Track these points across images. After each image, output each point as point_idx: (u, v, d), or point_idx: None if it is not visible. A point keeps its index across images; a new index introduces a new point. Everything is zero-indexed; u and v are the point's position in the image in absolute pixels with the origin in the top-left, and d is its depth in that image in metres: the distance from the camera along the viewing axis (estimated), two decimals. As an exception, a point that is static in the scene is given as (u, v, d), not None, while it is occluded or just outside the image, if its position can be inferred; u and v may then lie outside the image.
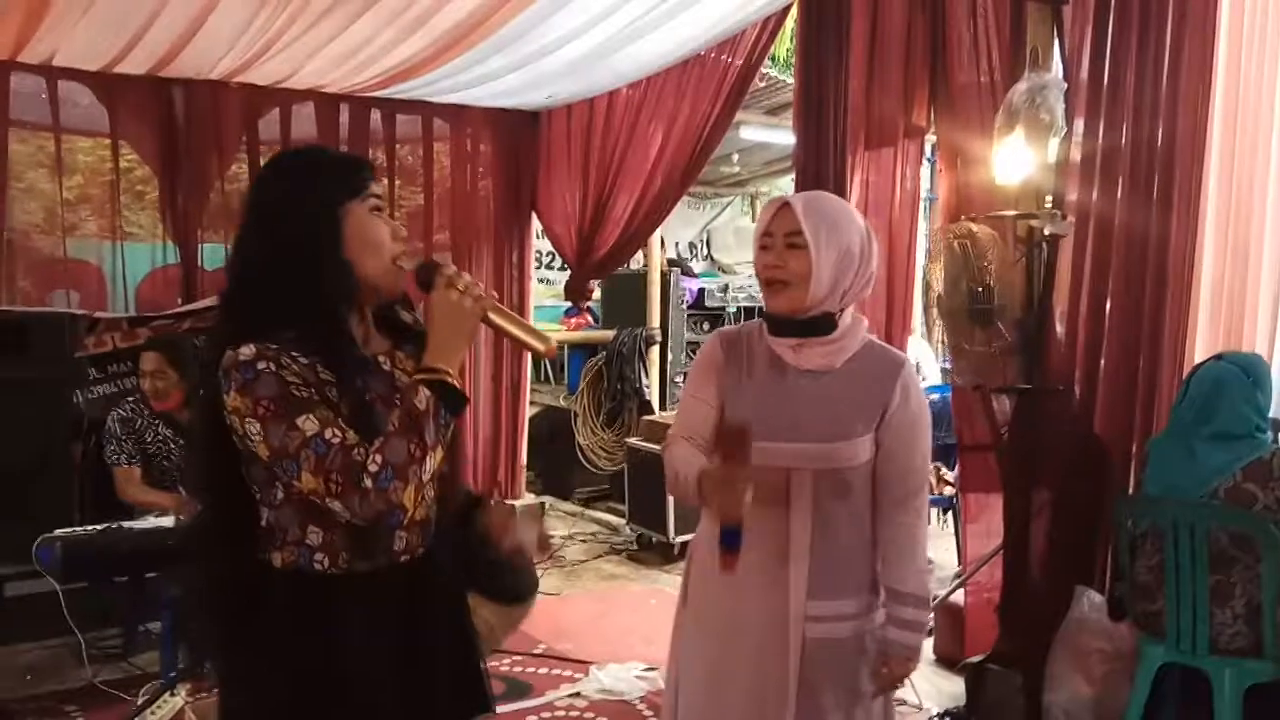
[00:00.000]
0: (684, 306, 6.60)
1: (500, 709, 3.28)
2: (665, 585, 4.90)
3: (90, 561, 3.23)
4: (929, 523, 5.20)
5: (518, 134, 5.48)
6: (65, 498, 3.93)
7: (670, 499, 5.12)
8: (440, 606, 1.61)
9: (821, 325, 1.84)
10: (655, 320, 6.34)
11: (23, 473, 3.80)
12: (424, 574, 1.56)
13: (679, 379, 6.33)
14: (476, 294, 1.47)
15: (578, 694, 3.63)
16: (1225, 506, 2.44)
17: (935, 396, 5.29)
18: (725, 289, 7.40)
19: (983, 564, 3.41)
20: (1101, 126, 2.93)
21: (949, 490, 4.76)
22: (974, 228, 3.08)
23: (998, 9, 3.24)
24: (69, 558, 3.18)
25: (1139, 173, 2.88)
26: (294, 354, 1.41)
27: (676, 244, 9.32)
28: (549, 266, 8.17)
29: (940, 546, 5.22)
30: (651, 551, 5.46)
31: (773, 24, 4.28)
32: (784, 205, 1.84)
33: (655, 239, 6.17)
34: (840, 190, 3.64)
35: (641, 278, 6.43)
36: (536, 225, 5.74)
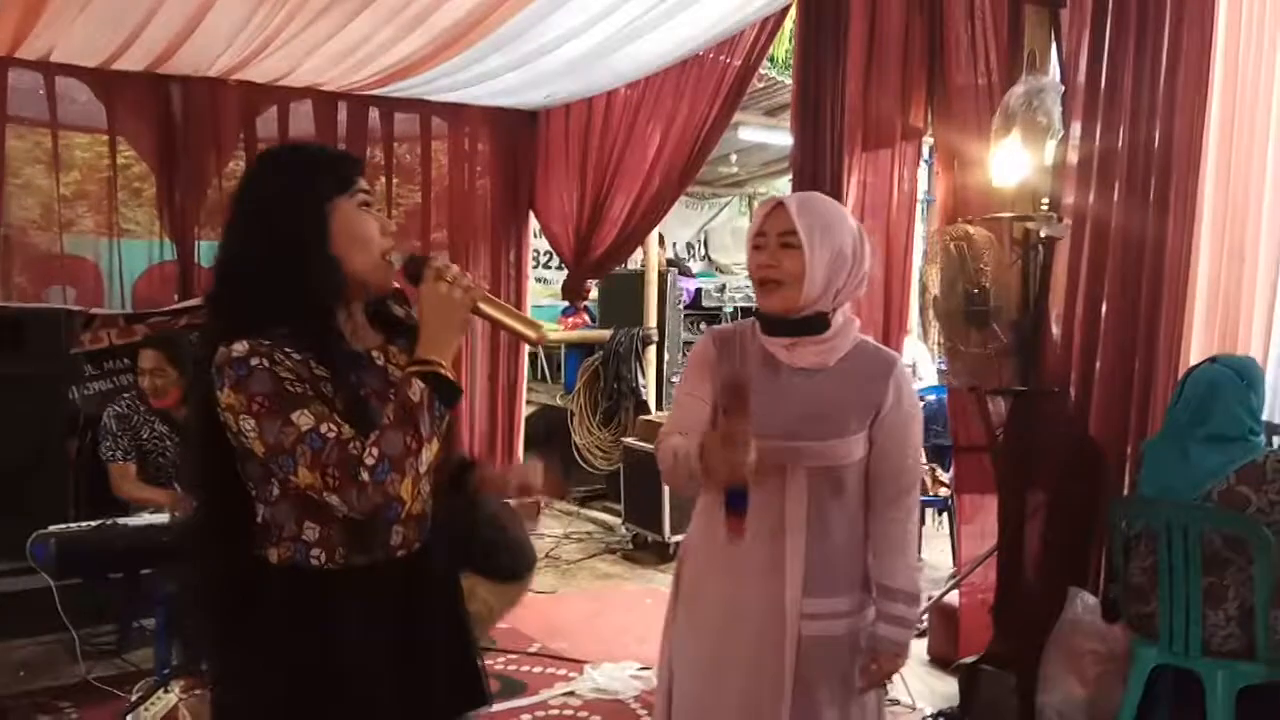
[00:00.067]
0: (681, 306, 6.61)
1: (494, 707, 3.29)
2: (660, 585, 4.90)
3: (85, 558, 3.22)
4: (924, 523, 5.26)
5: (516, 133, 5.49)
6: (60, 494, 3.93)
7: (666, 497, 5.12)
8: (437, 601, 1.61)
9: (814, 325, 1.85)
10: (652, 320, 6.34)
11: (18, 469, 3.80)
12: (421, 568, 1.56)
13: (676, 379, 6.33)
14: (465, 284, 1.48)
15: (572, 693, 3.63)
16: (1218, 509, 2.45)
17: (931, 398, 5.32)
18: (722, 289, 7.41)
19: (977, 565, 3.42)
20: (1098, 129, 2.94)
21: (944, 491, 4.77)
22: (970, 230, 3.09)
23: (995, 11, 3.25)
24: (63, 554, 3.18)
25: (1135, 176, 2.89)
26: (287, 350, 1.41)
27: (674, 244, 9.33)
28: (546, 266, 8.18)
29: (935, 547, 5.23)
30: (647, 551, 5.46)
31: (771, 25, 4.29)
32: (778, 205, 1.85)
33: (653, 239, 6.17)
34: (837, 191, 3.64)
35: (639, 277, 6.43)
36: (534, 224, 5.75)
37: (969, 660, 3.28)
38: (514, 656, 3.93)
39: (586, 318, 6.98)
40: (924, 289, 3.26)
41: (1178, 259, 2.86)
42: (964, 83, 3.39)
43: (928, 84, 3.59)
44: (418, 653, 1.54)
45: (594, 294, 6.42)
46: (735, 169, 9.23)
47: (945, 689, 3.50)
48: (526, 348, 5.86)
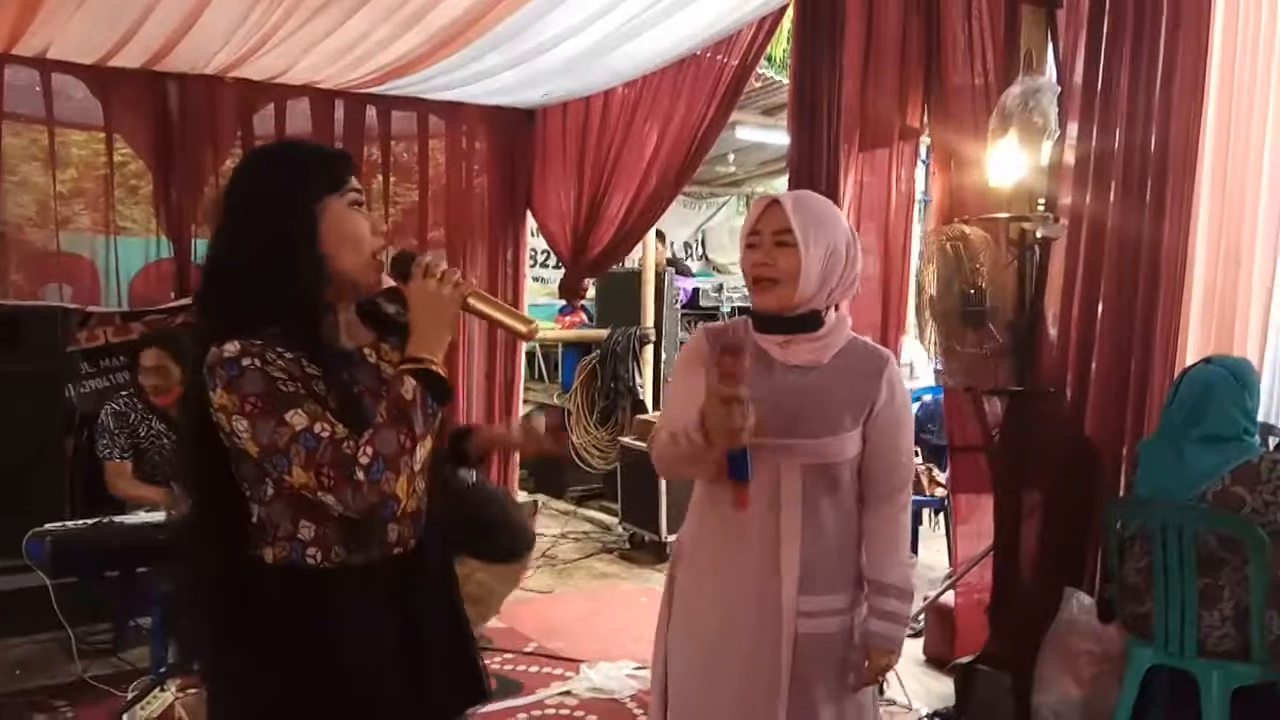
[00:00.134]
0: (678, 306, 6.60)
1: (490, 707, 3.29)
2: (657, 584, 4.90)
3: (80, 556, 3.22)
4: (921, 524, 5.25)
5: (513, 132, 5.48)
6: (56, 492, 3.92)
7: (663, 497, 5.13)
8: (434, 598, 1.61)
9: (808, 322, 1.86)
10: (649, 319, 6.35)
11: (14, 467, 3.79)
12: (417, 566, 1.56)
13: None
14: (455, 281, 1.47)
15: (568, 692, 3.63)
16: (1213, 509, 2.46)
17: (928, 398, 5.32)
18: (719, 289, 7.40)
19: (973, 565, 3.42)
20: (1094, 130, 2.95)
21: (940, 491, 4.77)
22: (967, 230, 3.09)
23: (992, 12, 3.25)
24: (59, 552, 3.17)
25: (1131, 176, 2.89)
26: (279, 349, 1.41)
27: (672, 243, 9.33)
28: (544, 265, 8.18)
29: (931, 548, 5.24)
30: (644, 550, 5.46)
31: (769, 24, 4.29)
32: (772, 203, 1.85)
33: (650, 238, 6.17)
34: (834, 191, 3.65)
35: (636, 277, 6.43)
36: (531, 223, 5.74)
37: (965, 660, 3.28)
38: (510, 656, 3.93)
39: (584, 316, 6.98)
40: (920, 289, 3.26)
41: (1174, 260, 2.86)
42: (961, 83, 3.40)
43: (925, 84, 3.59)
44: (417, 650, 1.54)
45: (591, 293, 6.41)
46: (733, 168, 9.23)
47: (941, 689, 3.51)
48: (524, 347, 5.86)
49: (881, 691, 3.41)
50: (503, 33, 3.92)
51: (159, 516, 3.33)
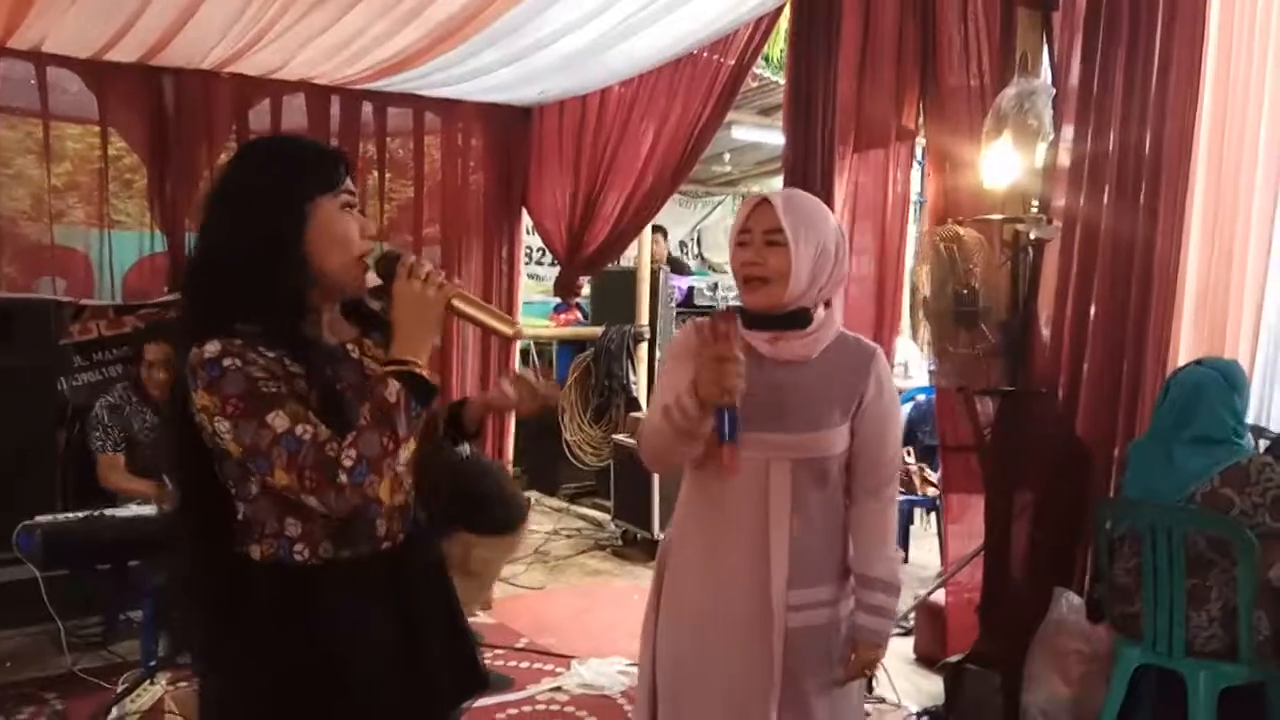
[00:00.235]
0: (673, 304, 6.61)
1: (481, 702, 3.29)
2: (649, 582, 4.90)
3: (71, 549, 3.22)
4: (912, 523, 5.27)
5: (509, 129, 5.48)
6: (48, 485, 3.92)
7: (655, 494, 5.13)
8: (426, 591, 1.61)
9: (797, 319, 1.87)
10: (644, 318, 6.35)
11: (5, 460, 3.79)
12: (407, 559, 1.56)
13: (666, 377, 6.32)
14: (439, 282, 1.47)
15: (559, 688, 3.64)
16: (1202, 511, 2.47)
17: (921, 398, 5.34)
18: (714, 287, 7.41)
19: (963, 564, 3.43)
20: (1089, 132, 2.96)
21: (932, 491, 4.79)
22: (961, 231, 3.10)
23: (988, 14, 3.26)
24: (50, 545, 3.17)
25: (1125, 178, 2.90)
26: (260, 348, 1.40)
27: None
28: (539, 262, 8.18)
29: (923, 547, 5.26)
30: (636, 547, 5.47)
31: (765, 24, 4.30)
32: (762, 202, 1.86)
33: (645, 237, 6.18)
34: (828, 191, 3.66)
35: (631, 275, 6.44)
36: (527, 221, 5.74)
37: (955, 659, 3.29)
38: (501, 651, 3.93)
39: (578, 314, 6.98)
40: (915, 289, 3.27)
41: (1167, 262, 2.87)
42: (956, 84, 3.41)
43: (920, 85, 3.59)
44: (411, 643, 1.54)
45: (586, 291, 6.42)
46: (729, 168, 9.25)
47: (931, 688, 3.52)
48: (518, 344, 5.86)
49: (870, 689, 3.44)
50: (500, 29, 3.92)
51: (150, 510, 3.33)
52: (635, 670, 3.57)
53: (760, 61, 5.34)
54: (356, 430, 1.38)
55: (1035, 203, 3.07)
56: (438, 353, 5.09)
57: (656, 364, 6.35)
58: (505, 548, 3.58)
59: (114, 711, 3.01)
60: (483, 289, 5.51)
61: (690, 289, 7.17)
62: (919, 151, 4.04)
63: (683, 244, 9.82)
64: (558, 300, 6.48)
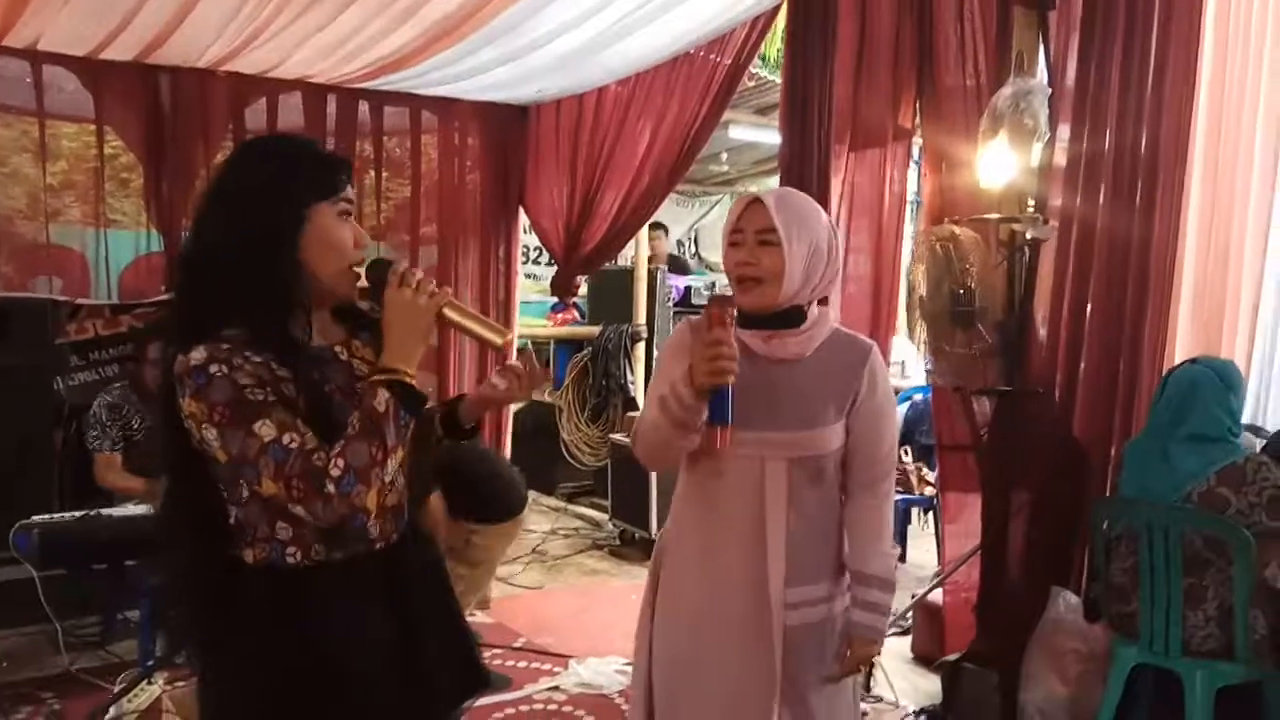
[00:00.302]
0: (670, 304, 6.62)
1: (479, 702, 3.29)
2: (646, 581, 4.91)
3: (68, 549, 3.22)
4: (910, 522, 5.27)
5: (506, 128, 5.47)
6: (45, 485, 3.91)
7: (653, 494, 5.13)
8: (423, 590, 1.61)
9: (791, 318, 1.87)
10: (641, 317, 6.35)
11: (2, 459, 3.78)
12: (402, 559, 1.56)
13: (664, 376, 6.31)
14: (430, 290, 1.46)
15: (557, 687, 3.64)
16: (1199, 510, 2.47)
17: (919, 397, 5.34)
18: (712, 287, 7.41)
19: (960, 564, 3.44)
20: (1085, 132, 2.96)
21: (930, 491, 4.79)
22: (957, 230, 3.10)
23: (984, 13, 3.26)
24: (46, 544, 3.17)
25: (1122, 178, 2.90)
26: (246, 353, 1.40)
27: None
28: (536, 262, 8.17)
29: (920, 546, 5.26)
30: (634, 547, 5.47)
31: (762, 24, 4.29)
32: (754, 202, 1.85)
33: (642, 236, 6.18)
34: (824, 190, 3.66)
35: (628, 274, 6.44)
36: (524, 220, 5.74)
37: (952, 658, 3.30)
38: (499, 651, 3.93)
39: (576, 314, 6.98)
40: (911, 289, 3.28)
41: (1163, 261, 2.88)
42: (953, 84, 3.40)
43: (917, 85, 3.60)
44: (408, 644, 1.54)
45: (583, 290, 6.41)
46: (726, 167, 9.24)
47: (929, 687, 3.53)
48: (515, 344, 5.85)
49: (868, 688, 3.44)
50: (497, 28, 3.92)
51: (147, 509, 3.32)
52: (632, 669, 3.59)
53: (757, 61, 5.33)
54: (345, 439, 1.38)
55: (1031, 202, 3.07)
56: (434, 351, 5.08)
57: (654, 363, 6.36)
58: (505, 535, 3.60)
59: (111, 711, 3.00)
60: (480, 288, 5.51)
61: (687, 288, 7.17)
62: (915, 151, 4.04)
63: (680, 243, 9.82)
64: (555, 300, 6.47)
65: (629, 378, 6.23)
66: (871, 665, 3.35)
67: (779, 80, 4.59)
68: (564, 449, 6.31)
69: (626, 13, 3.85)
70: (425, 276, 1.48)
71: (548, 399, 6.62)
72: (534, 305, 7.21)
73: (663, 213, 6.69)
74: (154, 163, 4.58)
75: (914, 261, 3.29)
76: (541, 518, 6.15)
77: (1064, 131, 3.03)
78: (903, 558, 4.94)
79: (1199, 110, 2.91)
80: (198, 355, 1.38)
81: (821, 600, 1.89)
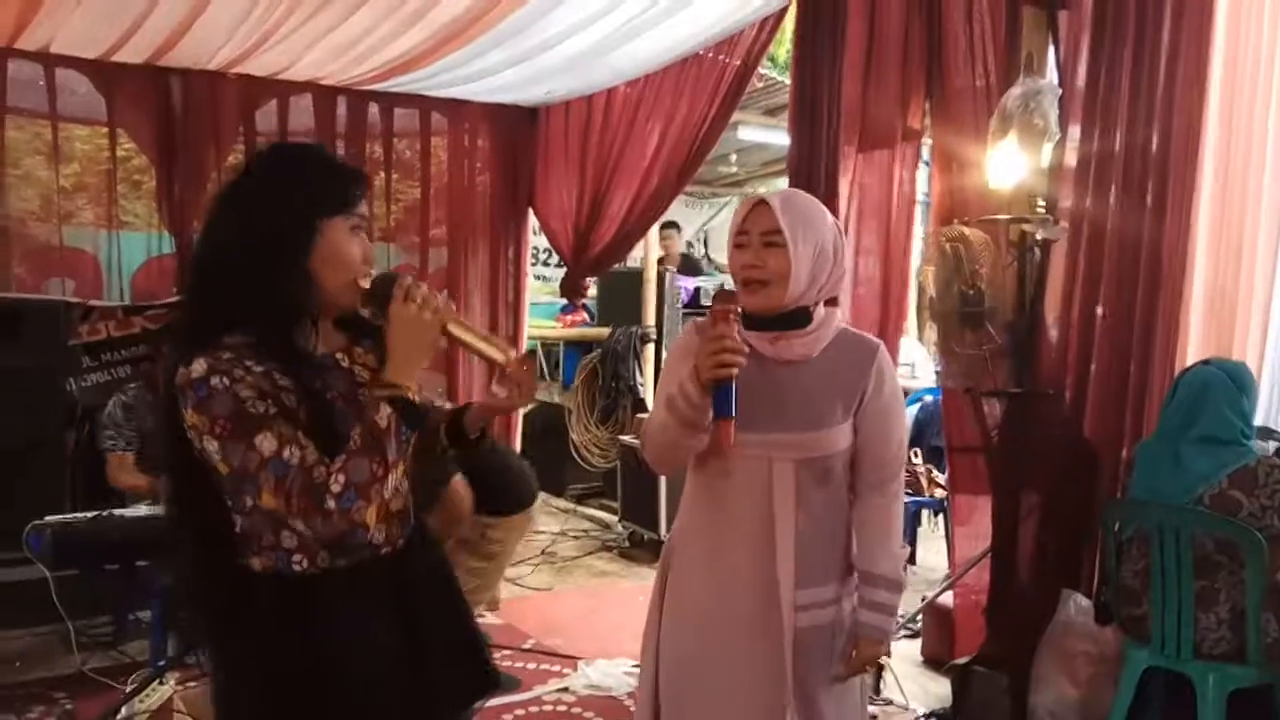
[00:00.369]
0: (679, 305, 6.62)
1: (488, 703, 3.29)
2: (655, 582, 4.91)
3: (81, 549, 3.23)
4: (920, 524, 5.25)
5: (516, 130, 5.49)
6: (57, 485, 3.93)
7: (662, 495, 5.13)
8: (430, 593, 1.61)
9: (797, 319, 1.86)
10: (651, 318, 6.35)
11: (15, 460, 3.80)
12: (408, 564, 1.56)
13: (673, 377, 6.31)
14: (435, 306, 1.46)
15: (566, 689, 3.64)
16: (1210, 513, 2.46)
17: (929, 399, 5.32)
18: (722, 287, 7.42)
19: (971, 566, 3.43)
20: (1096, 132, 2.95)
21: (940, 493, 4.78)
22: (966, 231, 3.09)
23: (994, 13, 3.25)
24: (59, 545, 3.19)
25: (1132, 178, 2.89)
26: (248, 362, 1.40)
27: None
28: (545, 263, 8.17)
29: (930, 549, 5.25)
30: (643, 549, 5.47)
31: (771, 25, 4.29)
32: (759, 203, 1.85)
33: (652, 237, 6.18)
34: (833, 191, 3.66)
35: (637, 276, 6.44)
36: (533, 221, 5.75)
37: (962, 661, 3.29)
38: (509, 652, 3.94)
39: (585, 315, 6.98)
40: (920, 290, 3.27)
41: (1174, 262, 2.86)
42: (962, 84, 3.40)
43: (926, 85, 3.59)
44: (414, 647, 1.54)
45: (593, 291, 6.42)
46: (735, 169, 9.24)
47: (939, 690, 3.51)
48: (524, 346, 5.87)
49: (878, 690, 3.43)
50: (505, 30, 3.93)
51: (159, 510, 3.34)
52: (641, 671, 3.59)
53: (766, 62, 5.33)
54: (346, 455, 1.38)
55: (1041, 203, 3.06)
56: (443, 355, 5.09)
57: (662, 365, 6.35)
58: (519, 526, 3.64)
59: (123, 711, 3.02)
60: (489, 290, 5.52)
61: (696, 289, 7.17)
62: (925, 151, 4.03)
63: (690, 244, 9.82)
64: (564, 301, 6.48)
65: (638, 379, 6.23)
66: (881, 667, 3.35)
67: (788, 81, 4.59)
68: (573, 450, 6.31)
69: (635, 14, 3.86)
70: (430, 292, 1.48)
71: (557, 400, 6.63)
72: (543, 307, 7.22)
73: (671, 214, 6.70)
74: (166, 165, 4.61)
75: (923, 262, 3.29)
76: (551, 519, 6.16)
77: (1074, 132, 3.01)
78: (912, 560, 4.92)
79: (1210, 110, 2.89)
80: (198, 367, 1.38)
81: (830, 602, 1.88)
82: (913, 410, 5.27)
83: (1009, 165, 3.00)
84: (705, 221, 10.03)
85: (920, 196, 4.01)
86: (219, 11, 3.77)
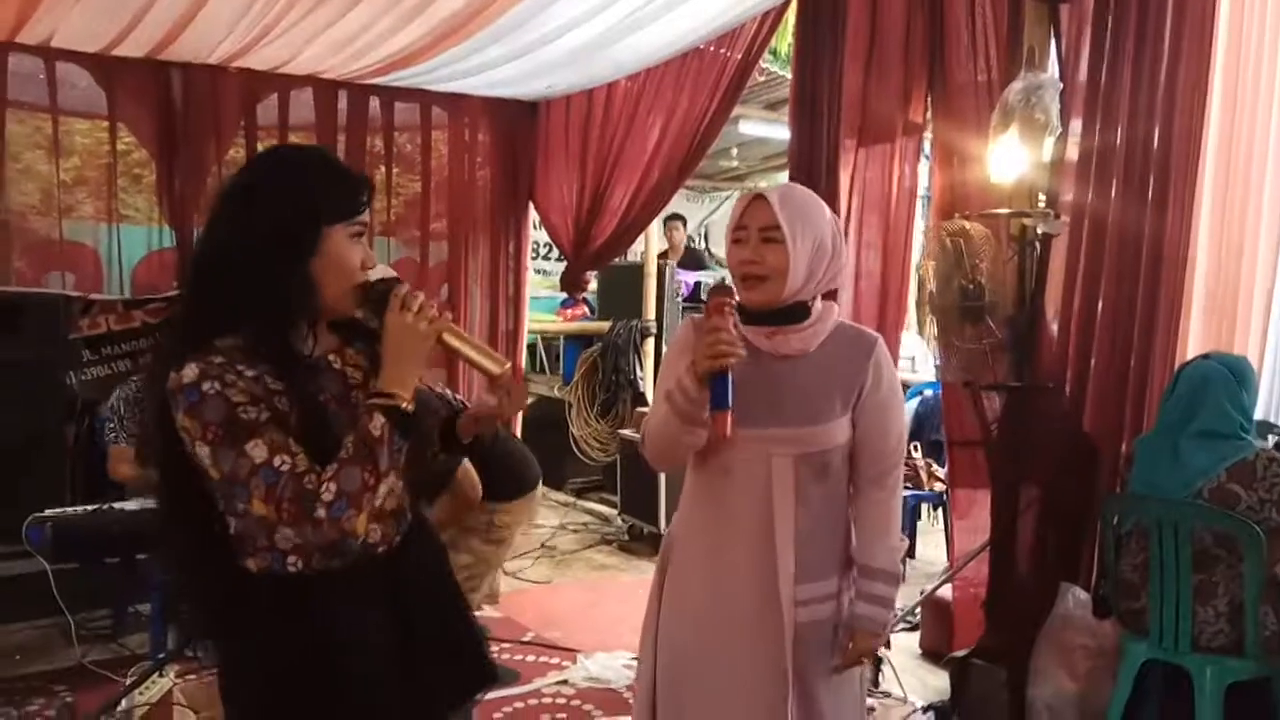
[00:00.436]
0: (680, 299, 6.62)
1: (488, 696, 3.30)
2: (655, 576, 4.91)
3: (80, 542, 3.24)
4: (919, 518, 5.25)
5: (516, 124, 5.48)
6: (57, 479, 3.94)
7: (662, 489, 5.13)
8: (427, 590, 1.61)
9: (795, 313, 1.86)
10: (651, 313, 6.35)
11: (15, 453, 3.81)
12: (404, 562, 1.56)
13: (673, 372, 6.31)
14: (431, 316, 1.46)
15: (565, 681, 3.65)
16: (1209, 506, 2.46)
17: (929, 393, 5.33)
18: (723, 281, 7.41)
19: (969, 559, 3.43)
20: (1097, 126, 2.94)
21: (939, 486, 4.78)
22: (967, 225, 3.09)
23: (996, 7, 3.25)
24: (59, 538, 3.20)
25: (1133, 173, 2.89)
26: (239, 367, 1.39)
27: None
28: (546, 258, 8.17)
29: (930, 542, 5.25)
30: (643, 542, 5.48)
31: (772, 18, 4.28)
32: (757, 198, 1.85)
33: (652, 231, 6.17)
34: (833, 186, 3.65)
35: (638, 270, 6.44)
36: (534, 216, 5.74)
37: (961, 654, 3.29)
38: (508, 645, 3.94)
39: (585, 309, 6.98)
40: (921, 284, 3.27)
41: (1175, 256, 2.86)
42: (964, 79, 3.39)
43: (928, 79, 3.58)
44: (411, 643, 1.54)
45: (593, 286, 6.42)
46: (736, 163, 9.23)
47: (937, 682, 3.52)
48: (524, 342, 5.87)
49: (876, 683, 3.44)
50: (506, 24, 3.92)
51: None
52: (640, 664, 3.59)
53: (767, 56, 5.32)
54: (338, 463, 1.38)
55: (1042, 197, 3.06)
56: (443, 357, 5.09)
57: (662, 360, 6.35)
58: (525, 510, 3.68)
59: (123, 704, 3.02)
60: (489, 284, 5.52)
61: (697, 284, 7.17)
62: (926, 146, 4.03)
63: (691, 239, 9.81)
64: (564, 295, 6.48)
65: (638, 373, 6.23)
66: (879, 660, 3.35)
67: (789, 75, 4.58)
68: (573, 444, 6.31)
69: (636, 8, 3.85)
70: (426, 301, 1.48)
71: (557, 394, 6.64)
72: (544, 300, 7.22)
73: (672, 208, 6.69)
74: (166, 158, 4.60)
75: (924, 257, 3.28)
76: (550, 513, 6.16)
77: (1075, 126, 3.01)
78: (911, 553, 4.93)
79: (1212, 104, 2.88)
80: (190, 372, 1.38)
81: (830, 597, 1.89)
82: (913, 404, 5.27)
83: (1010, 159, 3.00)
84: (706, 216, 10.02)
85: (921, 190, 4.01)
86: (219, 6, 3.77)
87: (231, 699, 1.55)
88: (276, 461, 1.36)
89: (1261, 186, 2.97)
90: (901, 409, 1.96)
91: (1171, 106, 2.82)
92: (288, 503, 1.35)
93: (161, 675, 3.06)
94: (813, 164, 3.73)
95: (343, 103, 4.95)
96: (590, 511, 6.24)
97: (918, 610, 3.94)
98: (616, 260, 5.94)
